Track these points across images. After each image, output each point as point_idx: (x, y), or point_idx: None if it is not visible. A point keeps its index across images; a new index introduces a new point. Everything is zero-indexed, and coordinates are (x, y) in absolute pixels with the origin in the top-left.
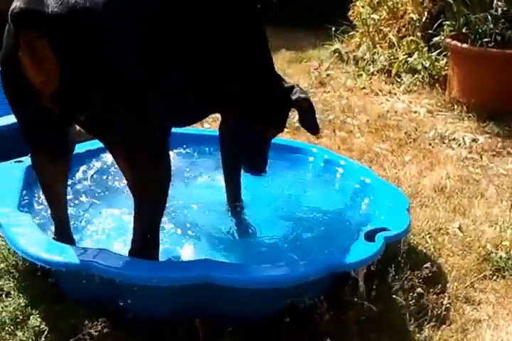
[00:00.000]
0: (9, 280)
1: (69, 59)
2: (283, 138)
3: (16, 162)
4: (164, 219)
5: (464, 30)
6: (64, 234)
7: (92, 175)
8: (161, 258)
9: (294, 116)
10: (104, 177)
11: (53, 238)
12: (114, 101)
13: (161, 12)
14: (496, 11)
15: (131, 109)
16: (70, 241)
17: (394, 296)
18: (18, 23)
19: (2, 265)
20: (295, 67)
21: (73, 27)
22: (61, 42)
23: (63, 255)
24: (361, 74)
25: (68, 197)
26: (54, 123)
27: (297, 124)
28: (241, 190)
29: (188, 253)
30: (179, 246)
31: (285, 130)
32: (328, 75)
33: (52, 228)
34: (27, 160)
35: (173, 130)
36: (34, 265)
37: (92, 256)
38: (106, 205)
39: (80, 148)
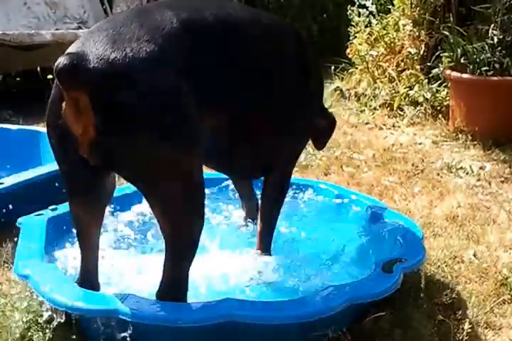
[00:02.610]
0: (37, 330)
1: (106, 112)
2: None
3: (36, 215)
4: None
5: (462, 61)
6: (91, 279)
7: None
8: None
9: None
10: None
11: (77, 283)
12: (155, 148)
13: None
14: (492, 39)
15: (176, 153)
16: (96, 287)
17: (415, 325)
18: (61, 78)
19: (30, 316)
20: None
21: (112, 82)
22: (99, 96)
23: (90, 302)
24: (364, 110)
25: None
26: (91, 172)
27: (304, 163)
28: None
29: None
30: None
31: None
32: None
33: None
34: (47, 212)
35: None
36: (62, 314)
37: (119, 302)
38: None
39: None
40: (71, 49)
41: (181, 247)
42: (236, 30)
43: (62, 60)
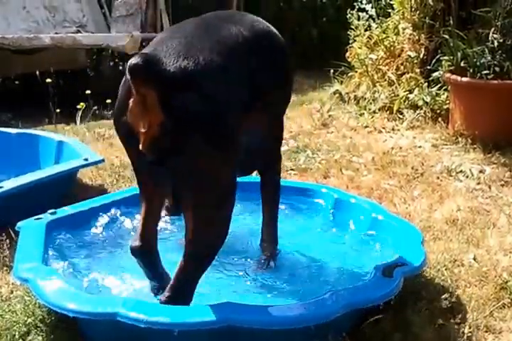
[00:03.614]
0: (37, 334)
1: (172, 113)
2: (292, 180)
3: (36, 219)
4: None
5: (462, 64)
6: (152, 243)
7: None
8: None
9: (299, 158)
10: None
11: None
12: (207, 153)
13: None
14: (493, 43)
15: (222, 161)
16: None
17: (415, 329)
18: (134, 74)
19: (30, 319)
20: (297, 110)
21: (181, 86)
22: (167, 96)
23: (90, 304)
24: (363, 113)
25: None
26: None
27: (304, 166)
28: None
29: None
30: None
31: (292, 172)
32: (330, 116)
33: (77, 280)
34: (46, 216)
35: None
36: (61, 318)
37: (118, 305)
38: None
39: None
40: (145, 51)
41: (201, 255)
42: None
43: (136, 58)
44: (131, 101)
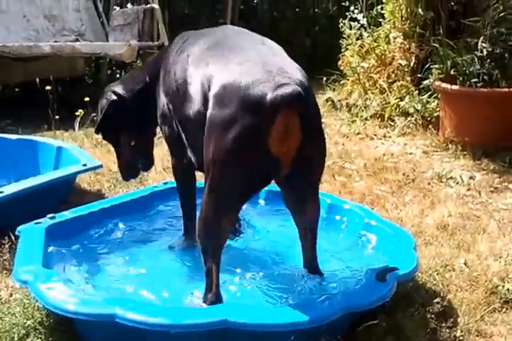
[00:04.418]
0: (36, 336)
1: (305, 128)
2: None
3: (35, 223)
4: None
5: (452, 72)
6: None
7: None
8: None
9: None
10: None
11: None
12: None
13: None
14: (482, 52)
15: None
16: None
17: (408, 332)
18: (292, 105)
19: (29, 322)
20: None
21: (311, 106)
22: (305, 118)
23: (88, 306)
24: (355, 120)
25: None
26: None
27: None
28: None
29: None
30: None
31: None
32: (322, 123)
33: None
34: (45, 220)
35: None
36: (59, 320)
37: (115, 306)
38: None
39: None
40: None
41: None
42: None
43: (294, 89)
44: (273, 130)
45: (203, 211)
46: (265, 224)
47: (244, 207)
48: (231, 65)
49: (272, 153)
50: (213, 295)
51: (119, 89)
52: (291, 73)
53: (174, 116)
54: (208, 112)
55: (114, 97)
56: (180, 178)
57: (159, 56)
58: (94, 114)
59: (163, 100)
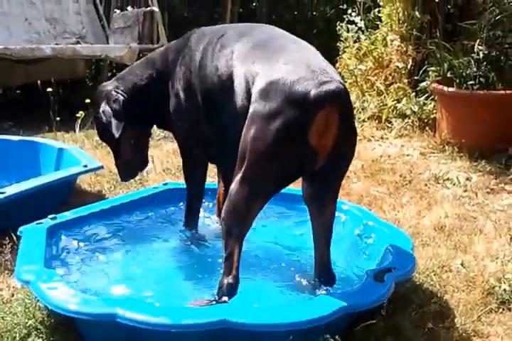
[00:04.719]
0: (38, 336)
1: (342, 125)
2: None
3: (37, 224)
4: None
5: (448, 75)
6: None
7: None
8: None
9: None
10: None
11: None
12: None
13: None
14: (478, 54)
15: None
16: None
17: (406, 332)
18: (335, 101)
19: (30, 322)
20: None
21: (348, 102)
22: (343, 112)
23: (89, 306)
24: None
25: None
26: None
27: None
28: None
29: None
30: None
31: None
32: None
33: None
34: (46, 221)
35: None
36: (60, 320)
37: (116, 305)
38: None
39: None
40: (317, 77)
41: None
42: None
43: (337, 86)
44: (314, 124)
45: (234, 196)
46: (266, 226)
47: None
48: (277, 64)
49: (311, 145)
50: (233, 278)
51: (120, 87)
52: (331, 73)
53: (198, 110)
54: (252, 105)
55: (121, 97)
56: (194, 174)
57: (167, 54)
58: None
59: (180, 96)
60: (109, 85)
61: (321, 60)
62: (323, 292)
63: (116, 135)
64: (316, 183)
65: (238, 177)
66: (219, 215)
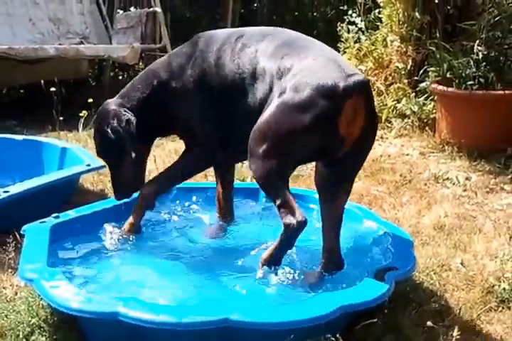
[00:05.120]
0: (41, 334)
1: (367, 113)
2: None
3: (40, 223)
4: None
5: (448, 75)
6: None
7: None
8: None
9: None
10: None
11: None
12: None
13: None
14: (477, 55)
15: None
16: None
17: (405, 331)
18: (363, 92)
19: (33, 320)
20: None
21: (372, 92)
22: (368, 103)
23: (92, 304)
24: None
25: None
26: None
27: (296, 173)
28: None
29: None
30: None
31: None
32: None
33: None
34: (50, 220)
35: None
36: (64, 318)
37: (120, 304)
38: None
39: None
40: (344, 72)
41: None
42: None
43: (364, 78)
44: (343, 113)
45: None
46: (267, 223)
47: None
48: (307, 59)
49: (339, 132)
50: (300, 215)
51: (126, 104)
52: (353, 67)
53: (218, 109)
54: (282, 97)
55: (132, 117)
56: (196, 167)
57: (171, 60)
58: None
59: (195, 99)
60: (114, 103)
61: (341, 56)
62: (329, 277)
63: (133, 156)
64: (335, 169)
65: (260, 158)
66: (219, 213)
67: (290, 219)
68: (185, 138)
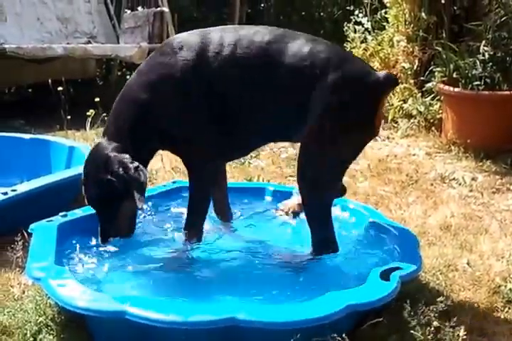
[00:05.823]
0: (48, 333)
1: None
2: (292, 185)
3: (48, 221)
4: None
5: (454, 75)
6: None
7: None
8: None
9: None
10: None
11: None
12: None
13: None
14: (484, 55)
15: None
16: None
17: (412, 331)
18: (390, 87)
19: (41, 318)
20: None
21: None
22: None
23: (100, 303)
24: None
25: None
26: None
27: None
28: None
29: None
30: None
31: (292, 178)
32: None
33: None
34: (57, 218)
35: None
36: (71, 317)
37: (127, 303)
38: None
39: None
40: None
41: None
42: None
43: (390, 75)
44: (379, 108)
45: (315, 174)
46: (269, 223)
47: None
48: (342, 56)
49: (375, 126)
50: (333, 243)
51: (119, 147)
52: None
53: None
54: (327, 99)
55: (137, 164)
56: (211, 182)
57: (141, 77)
58: (105, 114)
59: (194, 106)
60: (111, 149)
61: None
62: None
63: (144, 206)
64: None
65: (311, 160)
66: (217, 212)
67: (323, 235)
68: (184, 152)
